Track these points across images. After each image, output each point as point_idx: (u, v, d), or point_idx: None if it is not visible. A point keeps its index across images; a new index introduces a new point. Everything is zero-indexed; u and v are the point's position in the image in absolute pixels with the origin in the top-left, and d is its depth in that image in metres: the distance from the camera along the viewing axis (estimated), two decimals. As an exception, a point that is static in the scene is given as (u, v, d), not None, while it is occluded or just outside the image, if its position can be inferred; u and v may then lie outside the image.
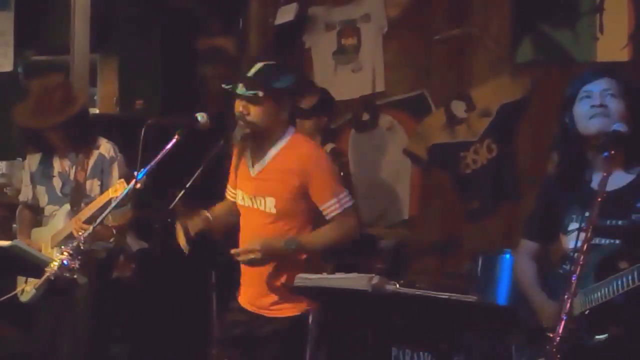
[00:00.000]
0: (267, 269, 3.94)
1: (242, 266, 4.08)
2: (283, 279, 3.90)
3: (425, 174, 6.56)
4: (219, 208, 4.31)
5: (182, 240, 4.14)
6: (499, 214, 6.18)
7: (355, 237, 4.00)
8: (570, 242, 3.33)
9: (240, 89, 3.83)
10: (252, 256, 3.83)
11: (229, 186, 4.25)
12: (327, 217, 3.93)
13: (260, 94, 3.80)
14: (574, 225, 3.36)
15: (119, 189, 4.47)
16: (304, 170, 3.87)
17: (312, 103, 4.20)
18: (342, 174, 5.34)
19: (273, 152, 3.94)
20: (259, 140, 3.95)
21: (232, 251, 3.91)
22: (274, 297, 3.97)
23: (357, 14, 6.80)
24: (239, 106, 3.85)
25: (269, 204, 3.93)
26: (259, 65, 3.90)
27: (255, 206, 3.97)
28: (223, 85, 3.89)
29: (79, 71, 5.95)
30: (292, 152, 3.92)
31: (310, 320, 3.95)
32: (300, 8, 6.85)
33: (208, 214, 4.20)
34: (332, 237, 3.92)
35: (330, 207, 3.89)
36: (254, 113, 3.83)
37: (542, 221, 3.65)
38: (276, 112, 3.87)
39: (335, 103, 5.91)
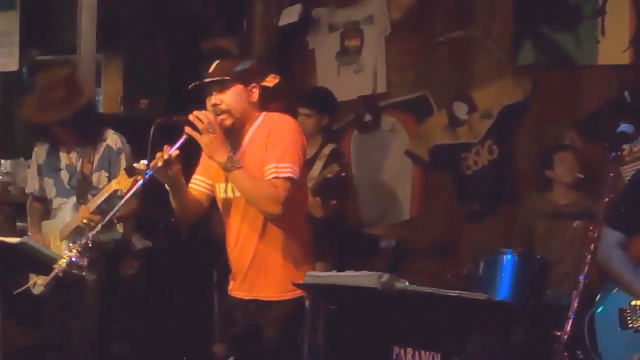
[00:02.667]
0: (264, 257, 3.98)
1: (235, 258, 4.09)
2: (282, 267, 3.95)
3: (426, 174, 6.61)
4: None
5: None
6: (500, 214, 6.23)
7: (274, 209, 3.81)
8: None
9: (207, 79, 3.94)
10: (208, 130, 3.76)
11: (196, 175, 4.16)
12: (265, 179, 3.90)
13: (227, 78, 3.91)
14: None
15: (121, 181, 4.50)
16: (267, 133, 3.92)
17: (275, 82, 4.21)
18: (343, 174, 5.39)
19: (248, 137, 3.99)
20: (236, 132, 3.99)
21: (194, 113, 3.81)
22: (272, 283, 3.98)
23: (360, 15, 6.84)
24: (210, 101, 3.94)
25: None
26: (215, 62, 4.03)
27: (239, 194, 3.97)
28: (189, 87, 3.96)
29: (85, 71, 5.95)
30: (262, 129, 3.97)
31: (307, 304, 3.98)
32: (304, 9, 6.89)
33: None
34: (256, 187, 3.82)
35: (268, 170, 3.85)
36: (226, 99, 3.91)
37: (629, 212, 3.65)
38: (246, 95, 3.96)
39: (336, 103, 5.95)
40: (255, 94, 3.99)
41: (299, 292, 3.94)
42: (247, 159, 3.94)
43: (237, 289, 4.12)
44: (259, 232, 3.96)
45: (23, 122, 4.95)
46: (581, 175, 5.53)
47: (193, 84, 3.96)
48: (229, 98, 3.92)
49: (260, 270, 4.00)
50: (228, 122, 3.91)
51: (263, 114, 4.04)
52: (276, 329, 3.98)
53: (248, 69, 3.98)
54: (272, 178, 3.83)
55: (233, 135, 3.99)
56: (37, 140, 5.03)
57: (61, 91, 4.77)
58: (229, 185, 4.02)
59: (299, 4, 6.88)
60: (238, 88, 3.94)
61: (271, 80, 4.05)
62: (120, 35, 7.32)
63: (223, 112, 3.90)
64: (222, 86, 3.92)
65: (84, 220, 4.61)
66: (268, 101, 4.09)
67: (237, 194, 4.00)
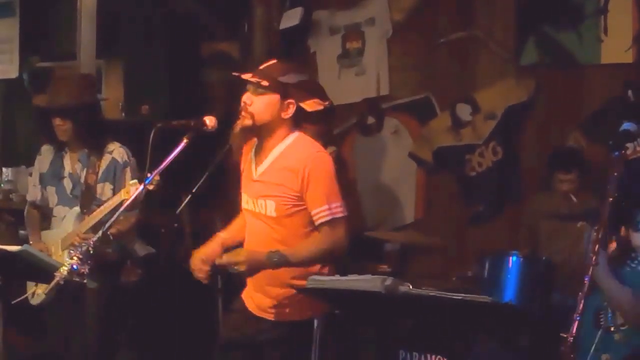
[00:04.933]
0: (282, 273, 3.90)
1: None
2: (291, 284, 3.89)
3: (430, 176, 6.57)
4: (236, 223, 4.21)
5: (199, 269, 3.97)
6: (504, 216, 6.20)
7: (342, 251, 3.86)
8: None
9: (247, 75, 3.86)
10: (237, 268, 3.78)
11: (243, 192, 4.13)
12: (316, 223, 3.85)
13: (265, 83, 3.80)
14: None
15: (130, 190, 4.48)
16: (302, 171, 3.81)
17: (315, 108, 4.08)
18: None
19: (276, 153, 3.90)
20: (263, 141, 3.92)
21: (217, 262, 3.86)
22: (280, 302, 3.94)
23: (361, 17, 6.80)
24: (244, 97, 3.85)
25: (270, 207, 3.89)
26: (273, 61, 3.94)
27: (257, 209, 3.93)
28: (234, 73, 3.90)
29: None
30: (293, 152, 3.87)
31: (315, 326, 3.92)
32: (305, 12, 6.86)
33: (222, 234, 4.13)
34: (318, 249, 3.84)
35: (320, 213, 3.81)
36: (256, 103, 3.81)
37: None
38: (279, 108, 3.84)
39: (334, 109, 5.93)
40: (290, 110, 3.86)
41: (305, 315, 3.89)
42: (272, 173, 3.89)
43: (249, 298, 4.07)
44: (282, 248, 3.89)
45: (33, 110, 5.00)
46: (574, 199, 5.47)
47: (237, 73, 3.88)
48: (260, 103, 3.82)
49: (266, 286, 3.95)
50: (247, 122, 3.84)
51: (297, 134, 3.93)
52: (282, 351, 3.93)
53: (291, 84, 3.85)
54: (328, 221, 3.81)
55: (259, 141, 3.94)
56: (41, 136, 5.04)
57: (75, 81, 4.88)
58: (248, 197, 4.00)
59: (300, 7, 6.86)
60: (274, 98, 3.82)
61: (312, 105, 3.89)
62: (120, 41, 7.31)
63: (248, 112, 3.83)
64: (259, 89, 3.83)
65: (79, 242, 4.60)
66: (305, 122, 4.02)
67: (251, 206, 3.97)
